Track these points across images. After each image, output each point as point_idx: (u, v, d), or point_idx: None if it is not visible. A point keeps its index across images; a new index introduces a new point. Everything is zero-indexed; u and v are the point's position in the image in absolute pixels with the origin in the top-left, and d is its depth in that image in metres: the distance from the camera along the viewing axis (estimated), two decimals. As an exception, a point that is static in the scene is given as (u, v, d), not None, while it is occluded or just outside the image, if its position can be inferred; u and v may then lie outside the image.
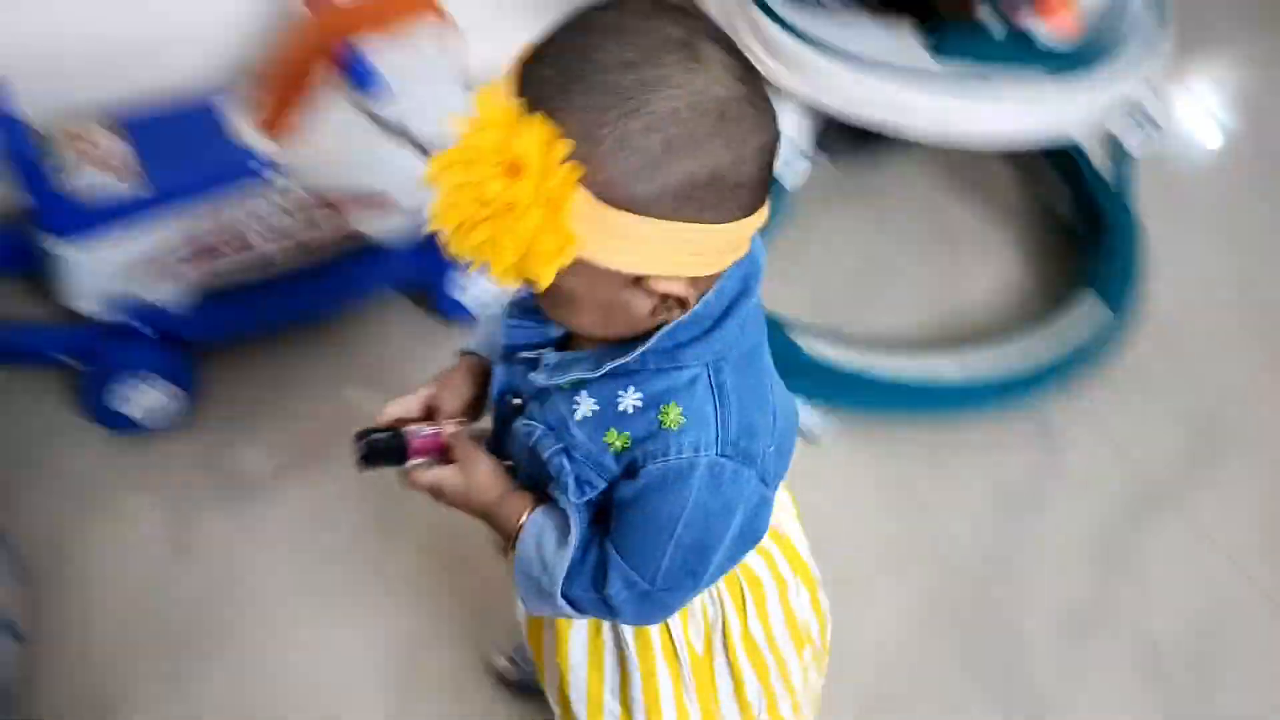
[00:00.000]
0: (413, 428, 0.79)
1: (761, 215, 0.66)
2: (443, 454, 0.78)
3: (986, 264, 1.76)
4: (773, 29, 1.31)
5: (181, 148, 1.40)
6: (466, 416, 0.82)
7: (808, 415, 1.49)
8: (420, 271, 1.56)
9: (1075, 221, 1.74)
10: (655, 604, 0.76)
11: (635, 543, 0.72)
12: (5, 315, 1.51)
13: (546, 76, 0.59)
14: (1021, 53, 1.27)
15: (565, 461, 0.72)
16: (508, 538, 0.77)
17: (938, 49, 1.28)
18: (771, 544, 0.88)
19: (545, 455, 0.73)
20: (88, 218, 1.32)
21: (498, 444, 0.80)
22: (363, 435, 0.78)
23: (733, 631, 0.87)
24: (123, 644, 1.27)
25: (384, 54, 1.36)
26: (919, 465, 1.51)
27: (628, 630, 0.86)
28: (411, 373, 1.56)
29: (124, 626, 1.28)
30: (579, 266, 0.61)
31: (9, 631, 1.15)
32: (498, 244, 0.59)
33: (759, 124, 0.63)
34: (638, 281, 0.64)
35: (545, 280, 0.61)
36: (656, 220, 0.61)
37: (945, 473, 1.51)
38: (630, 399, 0.70)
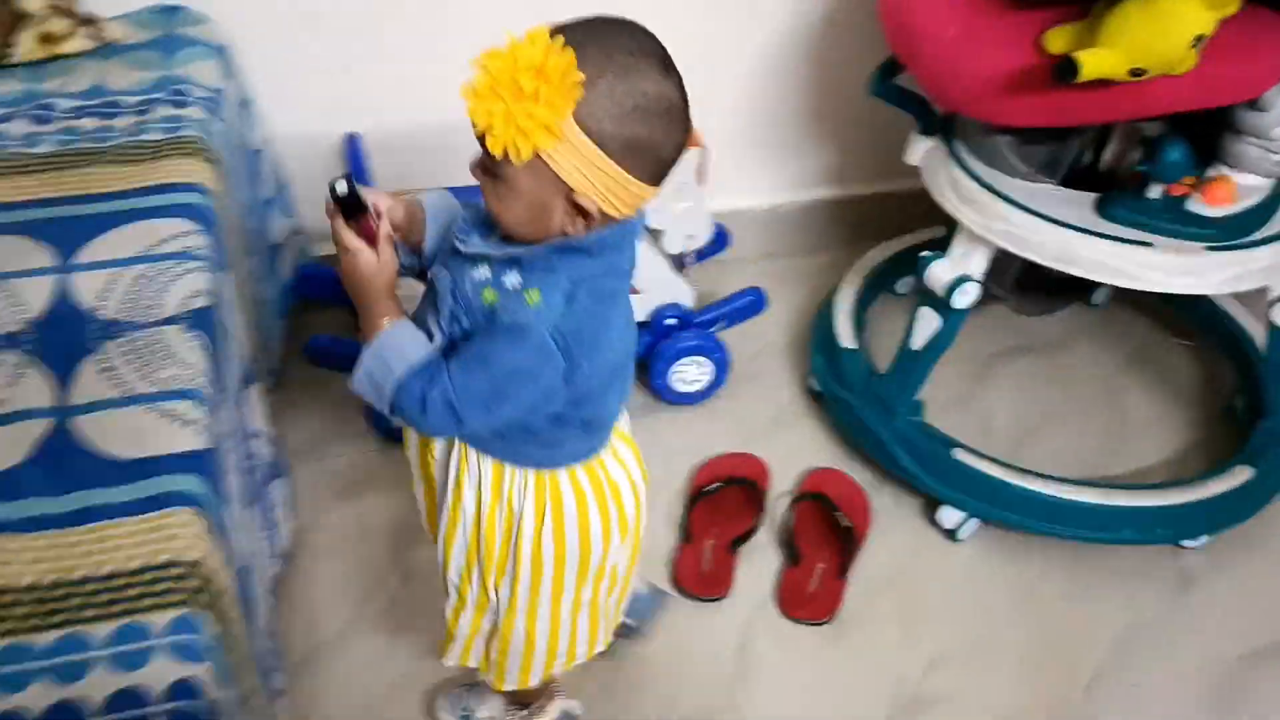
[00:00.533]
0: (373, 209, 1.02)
1: (655, 193, 0.95)
2: (372, 242, 1.01)
3: (1149, 432, 1.90)
4: (969, 182, 1.58)
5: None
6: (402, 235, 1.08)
7: (950, 515, 1.68)
8: (646, 352, 1.87)
9: (1239, 402, 1.87)
10: (452, 415, 0.99)
11: (464, 363, 0.99)
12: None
13: (579, 39, 0.87)
14: (1178, 222, 1.48)
15: (450, 300, 1.00)
16: (373, 328, 1.02)
17: (1104, 212, 1.51)
18: (589, 484, 1.13)
19: (440, 294, 1.01)
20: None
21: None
22: (348, 180, 0.99)
23: (526, 530, 1.12)
24: (332, 602, 1.60)
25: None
26: (1055, 582, 1.66)
27: (467, 513, 1.14)
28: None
29: (337, 591, 1.62)
30: (539, 165, 0.90)
31: (275, 553, 1.48)
32: (509, 119, 0.87)
33: (682, 128, 0.92)
34: (568, 195, 0.92)
35: (524, 156, 0.88)
36: (604, 154, 0.89)
37: (1077, 593, 1.65)
38: (512, 279, 0.97)
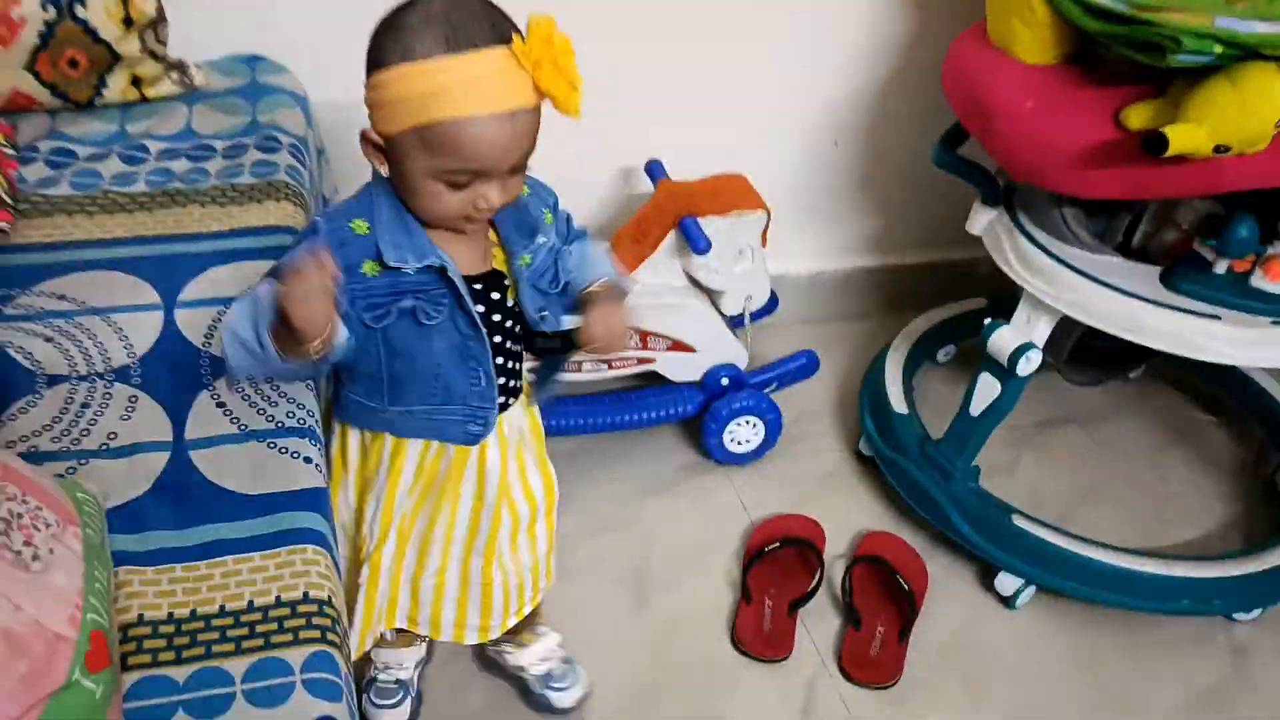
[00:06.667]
0: None
1: None
2: None
3: (1190, 504, 1.92)
4: (1036, 253, 1.62)
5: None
6: None
7: (1009, 582, 1.69)
8: (699, 411, 1.88)
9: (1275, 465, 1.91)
10: None
11: None
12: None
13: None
14: (1243, 297, 1.52)
15: None
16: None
17: (1170, 284, 1.55)
18: None
19: None
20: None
21: None
22: None
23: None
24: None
25: (714, 228, 1.74)
26: (1111, 651, 1.66)
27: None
28: (677, 488, 1.88)
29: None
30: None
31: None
32: (574, 90, 0.98)
33: None
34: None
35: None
36: None
37: (1134, 662, 1.65)
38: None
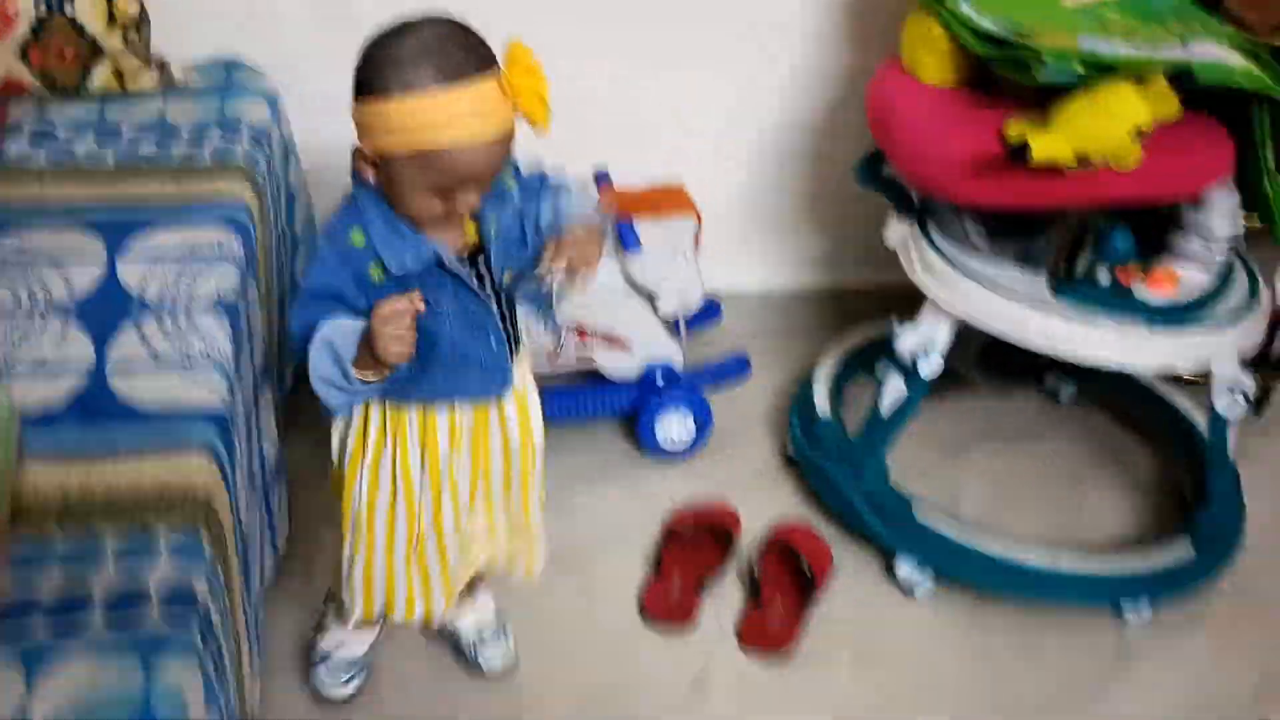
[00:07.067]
0: None
1: None
2: None
3: (1104, 516, 1.99)
4: (936, 259, 1.73)
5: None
6: None
7: (906, 566, 1.78)
8: (633, 407, 2.01)
9: (1187, 491, 1.99)
10: None
11: None
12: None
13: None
14: (1124, 306, 1.62)
15: None
16: None
17: (1057, 292, 1.66)
18: None
19: None
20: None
21: None
22: None
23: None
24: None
25: (648, 230, 1.88)
26: (1002, 642, 1.75)
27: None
28: (609, 477, 1.99)
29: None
30: None
31: (271, 554, 1.59)
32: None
33: None
34: None
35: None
36: None
37: (1024, 655, 1.73)
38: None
